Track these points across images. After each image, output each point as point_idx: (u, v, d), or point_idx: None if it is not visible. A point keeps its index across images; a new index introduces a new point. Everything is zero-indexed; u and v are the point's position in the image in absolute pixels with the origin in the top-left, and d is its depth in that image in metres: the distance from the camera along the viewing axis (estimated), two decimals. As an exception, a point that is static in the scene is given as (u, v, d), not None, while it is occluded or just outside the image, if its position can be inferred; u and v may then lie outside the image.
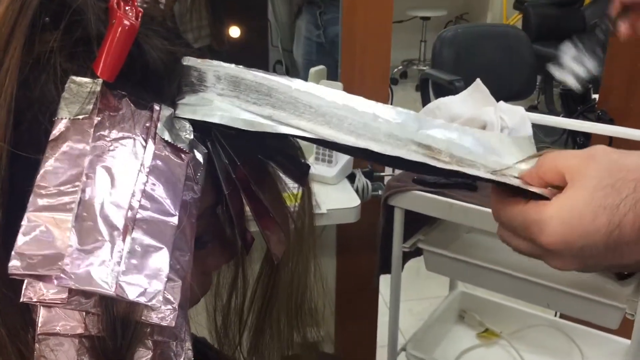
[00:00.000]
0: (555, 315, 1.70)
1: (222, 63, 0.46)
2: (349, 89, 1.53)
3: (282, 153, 0.46)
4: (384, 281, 1.54)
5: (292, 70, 3.11)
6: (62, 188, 0.35)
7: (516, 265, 1.36)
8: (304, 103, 0.44)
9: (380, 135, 0.45)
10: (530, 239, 0.46)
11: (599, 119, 1.67)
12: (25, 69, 0.37)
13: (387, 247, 1.42)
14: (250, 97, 0.43)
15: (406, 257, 1.46)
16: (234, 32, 2.74)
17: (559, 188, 0.46)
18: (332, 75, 1.61)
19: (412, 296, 2.46)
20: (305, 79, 1.57)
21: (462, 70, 2.60)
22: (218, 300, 0.56)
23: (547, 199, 0.46)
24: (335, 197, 1.43)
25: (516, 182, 0.48)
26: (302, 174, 0.48)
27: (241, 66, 0.48)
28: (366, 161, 1.58)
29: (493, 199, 0.50)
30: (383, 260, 1.47)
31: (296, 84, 0.44)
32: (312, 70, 1.51)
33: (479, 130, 0.50)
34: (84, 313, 0.35)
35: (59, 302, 0.34)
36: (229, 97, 0.43)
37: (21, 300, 0.34)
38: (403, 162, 0.45)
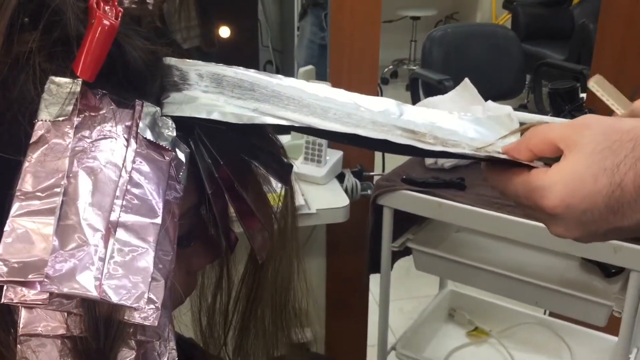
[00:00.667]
0: (545, 314, 1.71)
1: (200, 62, 0.46)
2: (336, 87, 1.53)
3: (265, 152, 0.46)
4: (374, 280, 1.55)
5: (283, 70, 3.11)
6: (43, 192, 0.34)
7: (505, 264, 1.37)
8: (287, 96, 0.44)
9: (364, 122, 0.45)
10: (534, 205, 0.47)
11: (586, 118, 1.68)
12: (4, 69, 0.36)
13: (377, 246, 1.42)
14: (234, 92, 0.43)
15: (395, 256, 1.47)
16: (224, 32, 2.74)
17: (550, 160, 0.47)
18: (325, 77, 1.61)
19: (402, 295, 2.46)
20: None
21: (452, 69, 2.61)
22: (203, 301, 0.56)
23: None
24: (325, 197, 1.43)
25: (503, 157, 0.49)
26: (285, 173, 0.47)
27: (221, 64, 0.49)
28: (355, 147, 1.58)
29: (490, 173, 0.50)
30: (372, 259, 1.47)
31: (277, 79, 0.45)
32: (301, 70, 1.51)
33: (459, 113, 0.51)
34: (66, 314, 0.35)
35: (40, 303, 0.34)
36: (213, 93, 0.43)
37: (2, 301, 0.34)
38: (390, 146, 0.45)
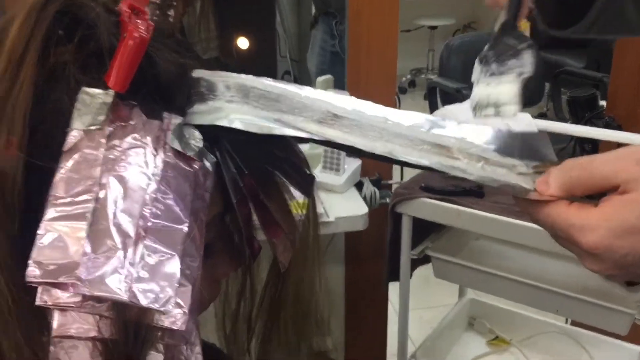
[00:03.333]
0: (566, 322, 1.70)
1: (230, 73, 0.47)
2: (354, 96, 1.54)
3: (288, 163, 0.47)
4: (393, 289, 1.55)
5: (301, 81, 3.13)
6: (76, 197, 0.36)
7: (525, 271, 1.37)
8: (312, 108, 0.45)
9: (390, 136, 0.45)
10: (570, 239, 0.44)
11: (607, 126, 1.67)
12: (39, 82, 0.38)
13: (396, 254, 1.43)
14: (259, 103, 0.44)
15: (415, 264, 1.47)
16: (242, 43, 2.76)
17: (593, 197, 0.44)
18: (341, 85, 1.62)
19: (421, 304, 2.45)
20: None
21: (470, 78, 2.61)
22: (227, 307, 0.57)
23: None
24: (343, 205, 1.44)
25: (534, 196, 0.45)
26: (307, 184, 0.48)
27: (250, 75, 0.50)
28: (378, 161, 1.59)
29: (521, 201, 0.46)
30: (392, 267, 1.47)
31: (305, 91, 0.45)
32: (320, 79, 1.52)
33: (491, 127, 0.47)
34: (97, 316, 0.36)
35: (73, 305, 0.35)
36: (238, 103, 0.44)
37: (36, 303, 0.35)
38: (409, 163, 0.45)
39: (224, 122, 0.42)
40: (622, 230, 0.41)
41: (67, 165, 0.37)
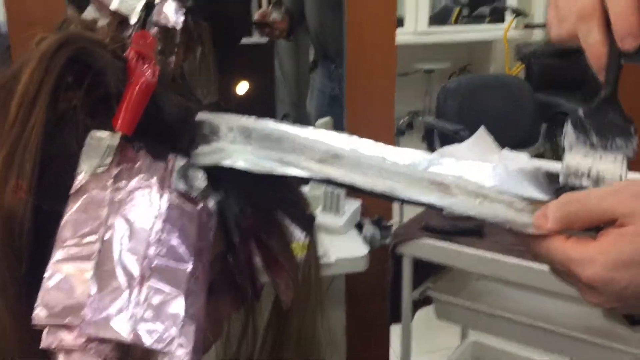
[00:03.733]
0: (570, 363, 1.68)
1: (233, 115, 0.49)
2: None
3: (290, 202, 0.48)
4: (395, 332, 1.53)
5: (300, 124, 3.17)
6: (82, 238, 0.36)
7: (527, 311, 1.36)
8: (313, 148, 0.45)
9: (388, 174, 0.46)
10: (569, 273, 0.44)
11: (603, 165, 1.69)
12: (49, 126, 0.39)
13: (397, 295, 1.42)
14: (261, 143, 0.45)
15: (416, 305, 1.46)
16: (242, 87, 2.81)
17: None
18: (340, 127, 1.64)
19: (423, 348, 2.42)
20: (313, 131, 1.60)
21: (466, 120, 2.64)
22: (228, 348, 0.57)
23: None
24: (344, 246, 1.44)
25: (532, 230, 0.45)
26: (308, 224, 0.49)
27: (252, 117, 0.51)
28: (378, 202, 1.59)
29: (519, 235, 0.46)
30: (393, 309, 1.46)
31: (305, 131, 0.46)
32: (319, 121, 1.54)
33: (488, 164, 0.48)
34: (103, 358, 0.36)
35: (77, 348, 0.36)
36: (240, 144, 0.45)
37: (41, 346, 0.35)
38: (408, 200, 0.45)
39: (227, 162, 0.43)
40: (620, 263, 0.42)
41: (74, 208, 0.37)
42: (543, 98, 3.91)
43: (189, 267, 0.39)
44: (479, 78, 3.79)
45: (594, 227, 0.44)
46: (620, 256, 0.42)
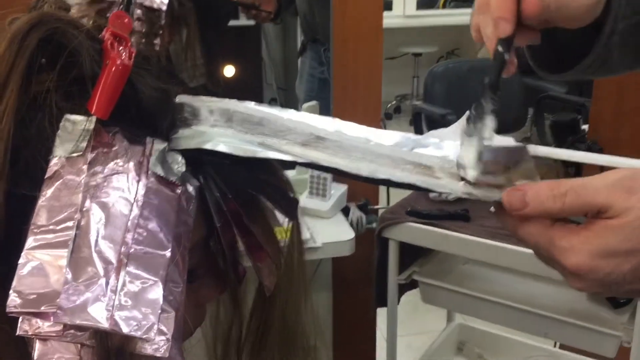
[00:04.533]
0: (554, 346, 1.70)
1: (213, 98, 0.48)
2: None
3: (272, 186, 0.47)
4: (381, 315, 1.54)
5: (287, 107, 3.15)
6: (57, 225, 0.36)
7: (513, 295, 1.37)
8: (296, 131, 0.45)
9: (372, 156, 0.45)
10: (554, 259, 0.45)
11: (589, 149, 1.70)
12: (22, 109, 0.38)
13: (383, 279, 1.42)
14: (242, 126, 0.44)
15: (402, 289, 1.47)
16: (229, 71, 2.78)
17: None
18: (329, 112, 1.63)
19: (410, 331, 2.44)
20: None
21: (454, 104, 2.64)
22: (217, 331, 0.57)
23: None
24: (330, 230, 1.44)
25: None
26: (291, 208, 0.48)
27: (233, 100, 0.50)
28: (364, 186, 1.59)
29: (504, 217, 0.46)
30: (379, 293, 1.47)
31: (287, 113, 0.45)
32: (305, 105, 1.54)
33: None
34: (79, 345, 0.36)
35: (54, 334, 0.35)
36: (221, 127, 0.44)
37: (17, 333, 0.35)
38: (393, 183, 0.45)
39: (207, 146, 0.42)
40: (605, 253, 0.42)
41: (48, 193, 0.36)
42: (530, 82, 3.91)
43: (168, 253, 0.38)
44: (467, 62, 3.77)
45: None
46: (605, 247, 0.42)
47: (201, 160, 0.43)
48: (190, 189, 0.42)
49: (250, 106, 0.45)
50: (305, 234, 1.37)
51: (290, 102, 3.18)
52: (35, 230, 0.35)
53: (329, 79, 2.21)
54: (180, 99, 0.46)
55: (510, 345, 1.66)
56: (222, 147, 0.43)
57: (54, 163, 0.37)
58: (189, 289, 0.42)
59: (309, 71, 2.35)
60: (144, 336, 0.35)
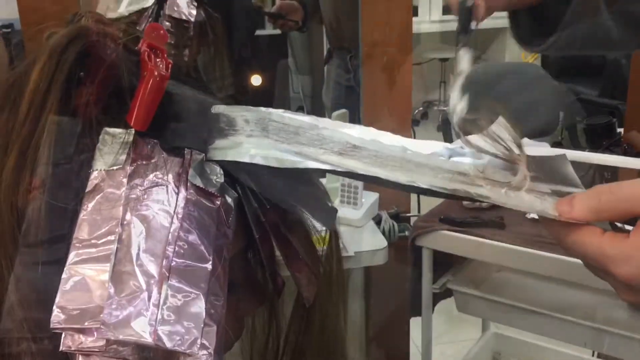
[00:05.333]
0: (593, 355, 1.65)
1: (249, 107, 0.47)
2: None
3: (310, 196, 0.47)
4: (415, 324, 1.52)
5: (314, 115, 3.16)
6: (99, 239, 0.35)
7: (550, 303, 1.34)
8: (332, 140, 0.44)
9: (410, 165, 0.45)
10: (605, 270, 0.43)
11: (625, 153, 1.66)
12: (62, 123, 0.38)
13: (417, 288, 1.41)
14: (279, 136, 0.44)
15: (437, 298, 1.45)
16: (256, 80, 2.80)
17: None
18: (356, 119, 1.63)
19: (444, 339, 2.41)
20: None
21: (480, 110, 2.61)
22: (254, 344, 0.56)
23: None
24: (362, 239, 1.42)
25: (554, 215, 0.44)
26: (329, 217, 0.48)
27: (269, 108, 0.50)
28: (396, 194, 1.58)
29: (551, 226, 0.45)
30: (413, 302, 1.45)
31: (323, 122, 0.45)
32: (335, 114, 1.53)
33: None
34: (122, 359, 0.35)
35: (97, 350, 0.35)
36: (258, 137, 0.44)
37: (61, 349, 0.35)
38: (430, 192, 0.44)
39: (245, 159, 0.42)
40: None
41: (89, 207, 0.36)
42: (561, 86, 3.85)
43: (209, 266, 0.38)
44: (495, 66, 3.74)
45: (625, 220, 0.42)
46: None
47: (239, 171, 0.43)
48: (229, 200, 0.41)
49: (286, 115, 0.45)
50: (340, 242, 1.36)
51: (317, 110, 3.18)
52: (77, 245, 0.35)
53: (355, 86, 2.20)
54: (216, 109, 0.46)
55: (547, 355, 1.62)
56: (258, 160, 0.42)
57: (94, 176, 0.37)
58: (228, 301, 0.41)
59: (335, 79, 2.35)
60: (188, 351, 0.35)
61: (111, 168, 0.38)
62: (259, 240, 0.44)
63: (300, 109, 3.28)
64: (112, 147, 0.38)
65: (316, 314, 0.52)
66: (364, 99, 1.60)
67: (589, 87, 4.00)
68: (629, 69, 1.80)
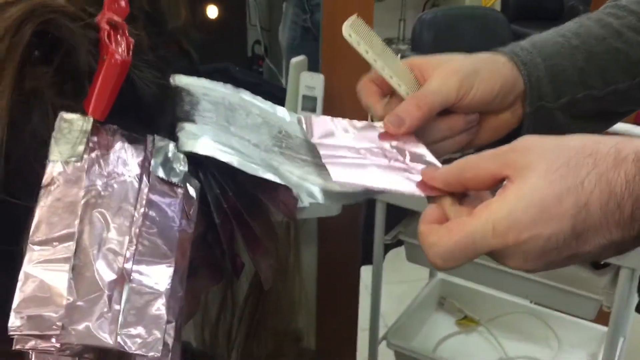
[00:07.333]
0: (530, 302, 1.74)
1: (209, 85, 0.46)
2: (329, 79, 1.51)
3: (271, 184, 0.46)
4: (366, 270, 1.55)
5: (271, 49, 3.08)
6: (57, 239, 0.34)
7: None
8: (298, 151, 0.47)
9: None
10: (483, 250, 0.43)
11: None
12: (15, 108, 0.35)
13: (369, 238, 1.43)
14: (242, 132, 0.43)
15: (387, 248, 1.48)
16: (212, 11, 2.69)
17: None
18: (315, 62, 1.59)
19: (392, 279, 2.48)
20: (287, 69, 1.55)
21: (442, 52, 2.59)
22: (207, 319, 0.56)
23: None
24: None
25: (410, 189, 0.49)
26: (290, 207, 0.47)
27: (229, 85, 0.48)
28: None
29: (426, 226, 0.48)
30: (365, 251, 1.48)
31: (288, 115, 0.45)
32: (293, 61, 1.49)
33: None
34: (77, 359, 0.35)
35: (51, 349, 0.34)
36: (220, 129, 0.43)
37: (14, 347, 0.33)
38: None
39: (209, 152, 0.41)
40: (535, 207, 0.39)
41: (46, 204, 0.34)
42: (518, 29, 3.85)
43: (172, 262, 0.37)
44: (455, 9, 3.70)
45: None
46: (532, 199, 0.39)
47: (201, 157, 0.41)
48: (191, 190, 0.40)
49: (251, 103, 0.44)
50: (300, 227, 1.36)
51: (274, 44, 3.10)
52: (33, 247, 0.33)
53: (313, 28, 2.15)
54: (177, 80, 0.44)
55: (490, 301, 1.69)
56: (224, 157, 0.41)
57: (51, 169, 0.35)
58: (187, 280, 0.41)
59: (292, 18, 2.28)
60: (150, 354, 0.34)
61: (69, 160, 0.35)
62: (220, 225, 0.43)
63: (257, 43, 3.18)
64: (69, 136, 0.36)
65: (272, 293, 0.52)
66: (323, 45, 1.56)
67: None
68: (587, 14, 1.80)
